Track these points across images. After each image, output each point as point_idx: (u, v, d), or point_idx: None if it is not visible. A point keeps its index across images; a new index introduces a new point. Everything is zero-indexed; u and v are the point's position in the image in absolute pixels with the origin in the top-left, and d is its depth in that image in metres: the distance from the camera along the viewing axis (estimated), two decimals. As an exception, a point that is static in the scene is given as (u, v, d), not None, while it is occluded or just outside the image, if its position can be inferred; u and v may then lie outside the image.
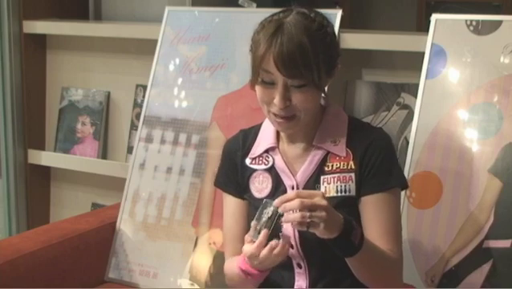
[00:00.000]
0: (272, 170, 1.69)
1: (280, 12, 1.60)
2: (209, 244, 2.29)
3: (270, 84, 1.57)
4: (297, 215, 1.44)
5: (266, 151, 1.70)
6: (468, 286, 1.92)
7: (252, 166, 1.72)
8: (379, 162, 1.62)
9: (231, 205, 1.76)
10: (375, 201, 1.61)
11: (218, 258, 2.25)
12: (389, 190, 1.63)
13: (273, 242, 1.50)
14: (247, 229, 1.72)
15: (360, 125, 1.71)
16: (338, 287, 1.65)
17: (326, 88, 1.67)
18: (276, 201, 1.48)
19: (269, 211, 1.51)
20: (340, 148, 1.64)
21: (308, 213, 1.44)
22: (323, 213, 1.44)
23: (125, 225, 2.44)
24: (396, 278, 1.64)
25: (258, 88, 1.59)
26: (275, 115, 1.58)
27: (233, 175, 1.75)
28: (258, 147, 1.72)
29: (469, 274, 1.92)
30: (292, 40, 1.52)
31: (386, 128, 2.28)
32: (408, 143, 2.12)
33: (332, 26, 1.63)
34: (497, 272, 1.90)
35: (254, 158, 1.72)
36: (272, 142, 1.70)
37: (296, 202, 1.45)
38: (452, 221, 1.96)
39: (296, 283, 1.67)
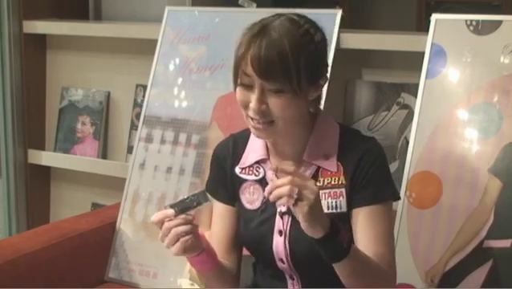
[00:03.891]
0: (263, 182, 1.64)
1: (270, 16, 1.56)
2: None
3: (248, 87, 1.52)
4: (285, 188, 1.40)
5: (257, 162, 1.66)
6: (468, 286, 1.92)
7: (242, 176, 1.68)
8: (370, 174, 1.58)
9: (220, 210, 1.73)
10: (367, 214, 1.57)
11: (218, 258, 2.25)
12: (381, 202, 1.58)
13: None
14: (234, 235, 1.71)
15: (352, 136, 1.65)
16: None
17: (321, 96, 1.63)
18: (268, 188, 1.43)
19: (197, 202, 1.50)
20: (331, 163, 1.60)
21: (297, 189, 1.39)
22: (312, 196, 1.40)
23: (125, 225, 2.44)
24: None
25: (237, 91, 1.55)
26: (252, 119, 1.54)
27: (222, 181, 1.71)
28: (248, 157, 1.68)
29: (469, 274, 1.92)
30: (272, 43, 1.48)
31: (386, 128, 2.29)
32: (408, 143, 2.12)
33: (322, 35, 1.57)
34: (497, 272, 1.90)
35: (244, 168, 1.68)
36: (262, 154, 1.65)
37: (287, 178, 1.41)
38: (452, 221, 1.96)
39: None
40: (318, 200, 1.42)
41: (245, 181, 1.67)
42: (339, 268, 1.50)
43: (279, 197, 1.41)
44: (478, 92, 2.02)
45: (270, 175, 1.64)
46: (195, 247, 1.54)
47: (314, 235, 1.44)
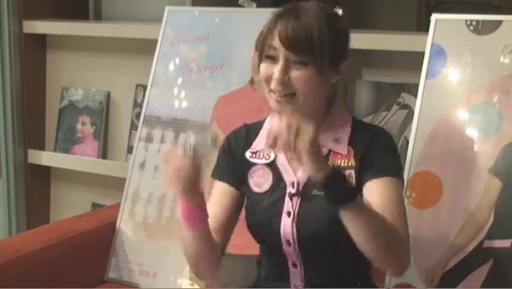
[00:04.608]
0: (273, 165, 1.68)
1: (298, 1, 1.64)
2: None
3: (272, 59, 1.58)
4: (282, 123, 1.44)
5: None
6: (468, 287, 1.92)
7: (252, 160, 1.71)
8: (378, 153, 1.62)
9: (221, 189, 1.73)
10: (376, 185, 1.59)
11: (218, 258, 2.25)
12: (389, 176, 1.60)
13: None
14: (226, 217, 1.70)
15: (363, 125, 1.72)
16: (333, 288, 1.63)
17: (331, 81, 1.65)
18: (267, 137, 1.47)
19: (209, 141, 1.52)
20: (342, 147, 1.64)
21: (295, 126, 1.43)
22: (309, 133, 1.43)
23: (125, 225, 2.44)
24: (404, 253, 1.56)
25: (261, 65, 1.61)
26: (274, 92, 1.58)
27: (231, 165, 1.73)
28: (261, 141, 1.71)
29: (469, 274, 1.92)
30: (299, 19, 1.56)
31: (386, 128, 2.28)
32: (408, 143, 2.12)
33: (345, 24, 1.65)
34: (497, 272, 1.90)
35: (255, 152, 1.71)
36: None
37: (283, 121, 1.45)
38: (452, 221, 1.96)
39: (292, 283, 1.66)
40: (317, 138, 1.45)
41: (255, 164, 1.70)
42: (350, 219, 1.49)
43: (277, 137, 1.44)
44: (478, 92, 2.02)
45: (280, 159, 1.67)
46: (192, 192, 1.54)
47: (321, 174, 1.45)
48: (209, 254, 1.66)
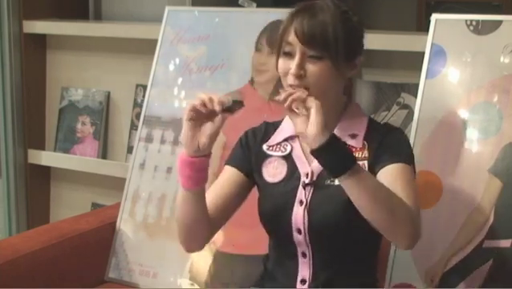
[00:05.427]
0: (289, 157, 1.72)
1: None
2: (209, 243, 2.28)
3: (289, 55, 1.63)
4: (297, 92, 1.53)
5: (286, 139, 1.74)
6: (468, 287, 1.92)
7: (268, 152, 1.75)
8: (391, 143, 1.66)
9: (229, 174, 1.76)
10: (388, 171, 1.62)
11: (218, 258, 2.25)
12: (401, 163, 1.62)
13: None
14: (226, 198, 1.73)
15: (379, 124, 1.77)
16: (341, 278, 1.66)
17: (346, 75, 1.69)
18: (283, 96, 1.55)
19: (234, 99, 1.60)
20: (357, 141, 1.68)
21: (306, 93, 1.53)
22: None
23: (125, 225, 2.45)
24: (411, 224, 1.56)
25: (279, 61, 1.66)
26: (291, 86, 1.62)
27: (245, 155, 1.77)
28: (278, 136, 1.76)
29: (469, 274, 1.92)
30: (315, 17, 1.61)
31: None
32: (408, 143, 2.12)
33: (360, 19, 1.69)
34: (497, 272, 1.90)
35: (272, 145, 1.76)
36: (293, 132, 1.71)
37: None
38: (452, 221, 1.96)
39: (299, 273, 1.68)
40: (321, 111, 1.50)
41: (271, 156, 1.75)
42: (350, 185, 1.51)
43: (290, 95, 1.53)
44: (478, 92, 2.02)
45: (296, 151, 1.72)
46: (195, 139, 1.58)
47: (323, 138, 1.48)
48: (200, 223, 1.68)
